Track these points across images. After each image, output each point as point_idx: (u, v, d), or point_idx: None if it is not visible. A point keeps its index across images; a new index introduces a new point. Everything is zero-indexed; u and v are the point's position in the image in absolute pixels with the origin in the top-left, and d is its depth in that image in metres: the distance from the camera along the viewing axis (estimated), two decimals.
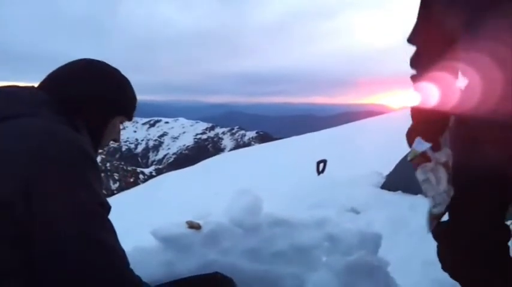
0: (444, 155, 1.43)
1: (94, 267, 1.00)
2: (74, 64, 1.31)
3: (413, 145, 1.48)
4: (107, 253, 1.04)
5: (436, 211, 1.46)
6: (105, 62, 1.36)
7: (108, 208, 1.10)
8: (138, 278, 1.14)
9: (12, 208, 0.95)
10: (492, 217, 1.41)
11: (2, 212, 0.95)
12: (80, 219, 1.00)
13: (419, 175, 1.46)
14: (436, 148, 1.43)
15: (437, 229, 1.52)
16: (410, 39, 1.55)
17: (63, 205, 0.98)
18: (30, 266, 0.99)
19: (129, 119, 1.41)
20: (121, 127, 1.43)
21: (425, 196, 1.48)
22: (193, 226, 1.84)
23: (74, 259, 0.98)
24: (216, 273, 1.53)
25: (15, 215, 0.96)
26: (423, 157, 1.44)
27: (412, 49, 1.55)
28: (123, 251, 1.11)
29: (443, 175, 1.40)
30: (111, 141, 1.41)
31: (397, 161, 6.47)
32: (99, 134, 1.30)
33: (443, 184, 1.40)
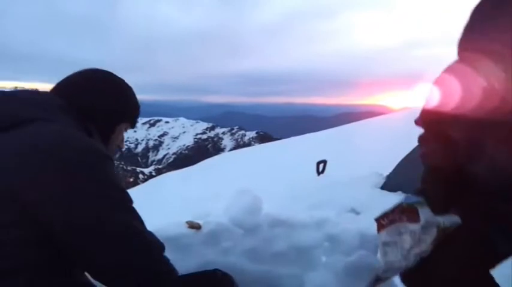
0: (449, 220, 1.29)
1: (135, 255, 1.11)
2: (87, 74, 1.39)
3: (404, 199, 1.38)
4: (147, 242, 1.15)
5: (385, 275, 1.36)
6: (111, 73, 1.44)
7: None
8: (171, 266, 1.25)
9: (35, 209, 1.01)
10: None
11: (23, 212, 1.00)
12: (118, 212, 1.09)
13: (386, 236, 1.34)
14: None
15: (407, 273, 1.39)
16: (417, 122, 1.60)
17: (97, 201, 1.06)
18: (39, 264, 1.04)
19: (133, 126, 1.50)
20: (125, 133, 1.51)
21: (381, 258, 1.34)
22: (194, 226, 1.85)
23: (117, 250, 1.08)
24: (216, 270, 1.55)
25: (37, 217, 1.01)
26: (410, 212, 1.32)
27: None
28: (158, 240, 1.22)
29: (429, 240, 1.27)
30: (117, 148, 1.48)
31: (397, 162, 6.47)
32: (106, 141, 1.38)
33: (421, 248, 1.27)
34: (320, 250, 2.07)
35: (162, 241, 1.81)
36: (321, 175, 9.64)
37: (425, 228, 1.29)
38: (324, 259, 2.05)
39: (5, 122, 1.11)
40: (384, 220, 1.38)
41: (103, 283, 1.13)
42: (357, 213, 5.08)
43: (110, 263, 1.08)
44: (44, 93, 1.30)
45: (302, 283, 1.96)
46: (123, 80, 1.46)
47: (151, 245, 1.18)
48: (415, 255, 1.29)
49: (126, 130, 1.48)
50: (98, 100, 1.35)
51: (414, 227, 1.30)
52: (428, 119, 1.53)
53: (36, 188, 1.01)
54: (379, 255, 1.31)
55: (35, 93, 1.28)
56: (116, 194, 1.11)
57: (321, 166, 9.90)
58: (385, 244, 1.33)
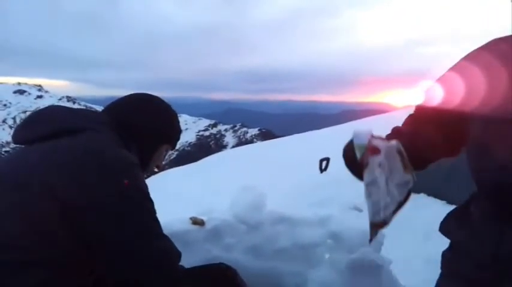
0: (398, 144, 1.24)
1: (154, 261, 1.20)
2: (135, 97, 1.52)
3: (354, 140, 1.31)
4: (166, 251, 1.24)
5: (377, 218, 1.27)
6: (159, 97, 1.56)
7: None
8: (180, 274, 1.33)
9: (72, 210, 1.09)
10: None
11: (60, 207, 1.09)
12: (142, 220, 1.19)
13: (366, 176, 1.27)
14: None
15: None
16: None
17: (122, 206, 1.14)
18: (61, 257, 1.12)
19: (173, 148, 1.61)
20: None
21: (367, 200, 1.29)
22: (197, 222, 1.85)
23: (139, 256, 1.17)
24: (221, 264, 1.57)
25: (64, 213, 1.09)
26: (372, 150, 1.25)
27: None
28: (177, 250, 1.29)
29: (397, 165, 1.22)
30: (156, 168, 1.59)
31: None
32: (147, 159, 1.48)
33: (396, 178, 1.22)
34: (323, 247, 2.07)
35: None
36: (324, 172, 9.63)
37: (387, 157, 1.23)
38: (327, 256, 2.06)
39: (59, 128, 1.24)
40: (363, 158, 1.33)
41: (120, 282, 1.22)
42: (360, 210, 5.06)
43: (129, 264, 1.17)
44: (91, 110, 1.42)
45: (305, 279, 1.97)
46: (170, 106, 1.57)
47: (171, 252, 1.27)
48: (397, 186, 1.23)
49: (166, 151, 1.57)
50: (142, 121, 1.44)
51: (378, 158, 1.23)
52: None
53: (75, 186, 1.10)
54: (364, 198, 1.28)
55: (87, 110, 1.41)
56: (146, 202, 1.22)
57: (324, 163, 9.89)
58: (367, 185, 1.26)
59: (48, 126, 1.24)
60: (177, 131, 1.58)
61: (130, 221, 1.15)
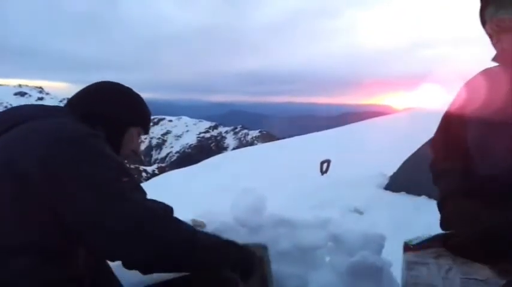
0: None
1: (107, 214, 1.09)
2: (94, 85, 1.50)
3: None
4: (138, 211, 1.12)
5: None
6: (118, 83, 1.54)
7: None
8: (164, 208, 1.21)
9: (34, 183, 1.08)
10: None
11: (22, 186, 1.08)
12: (99, 182, 1.11)
13: (414, 257, 1.39)
14: None
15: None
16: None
17: (84, 177, 1.10)
18: (46, 242, 1.10)
19: (145, 131, 1.58)
20: (141, 140, 1.59)
21: (405, 273, 1.38)
22: (198, 224, 1.85)
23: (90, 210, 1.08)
24: (229, 241, 1.58)
25: (36, 189, 1.08)
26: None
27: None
28: (163, 206, 1.19)
29: None
30: (132, 153, 1.54)
31: (401, 162, 6.46)
32: (117, 143, 1.44)
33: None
34: (324, 249, 2.07)
35: None
36: (325, 174, 9.64)
37: None
38: (327, 258, 2.05)
39: (23, 119, 1.24)
40: (416, 246, 1.39)
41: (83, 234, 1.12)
42: (361, 213, 5.07)
43: (88, 210, 1.08)
44: (52, 106, 1.41)
45: (305, 282, 1.97)
46: (130, 89, 1.55)
47: (148, 211, 1.14)
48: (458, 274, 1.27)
49: (139, 135, 1.54)
50: (104, 106, 1.43)
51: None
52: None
53: (34, 160, 1.09)
54: (402, 270, 1.32)
55: (56, 106, 1.41)
56: (103, 162, 1.16)
57: (325, 165, 9.91)
58: (412, 263, 1.34)
59: (12, 119, 1.25)
60: (140, 113, 1.54)
61: (85, 185, 1.09)
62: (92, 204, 1.07)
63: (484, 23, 1.45)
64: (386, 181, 6.37)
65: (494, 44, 1.41)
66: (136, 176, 1.54)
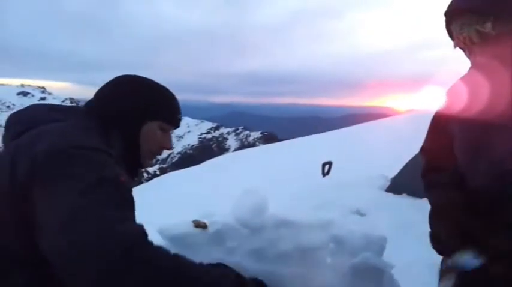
0: None
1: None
2: (108, 82, 1.42)
3: (462, 260, 1.38)
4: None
5: None
6: (133, 75, 1.44)
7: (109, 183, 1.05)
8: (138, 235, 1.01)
9: (16, 197, 1.03)
10: None
11: (18, 199, 1.03)
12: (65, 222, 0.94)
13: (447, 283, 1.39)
14: None
15: None
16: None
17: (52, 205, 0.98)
18: (36, 257, 1.02)
19: (169, 123, 1.46)
20: (170, 133, 1.49)
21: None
22: (200, 225, 1.86)
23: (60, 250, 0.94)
24: (219, 264, 1.58)
25: (18, 203, 1.03)
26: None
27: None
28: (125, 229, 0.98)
29: None
30: (160, 149, 1.47)
31: (402, 164, 6.45)
32: (135, 142, 1.37)
33: None
34: (325, 251, 2.06)
35: (168, 239, 1.83)
36: (326, 176, 9.64)
37: None
38: (328, 260, 2.05)
39: (23, 126, 1.21)
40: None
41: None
42: (362, 215, 5.07)
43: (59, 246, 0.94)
44: (77, 106, 1.38)
45: (306, 283, 1.96)
46: (145, 80, 1.44)
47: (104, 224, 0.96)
48: None
49: (163, 129, 1.44)
50: (114, 102, 1.35)
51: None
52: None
53: (24, 175, 1.04)
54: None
55: (69, 106, 1.36)
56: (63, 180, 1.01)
57: (327, 167, 9.91)
58: None
59: (24, 125, 1.22)
60: (161, 103, 1.43)
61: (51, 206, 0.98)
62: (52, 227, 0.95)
63: (451, 36, 1.48)
64: (388, 183, 6.37)
65: (468, 56, 1.44)
66: (137, 177, 1.49)
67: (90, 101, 1.39)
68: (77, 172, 1.02)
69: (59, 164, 1.03)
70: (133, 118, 1.36)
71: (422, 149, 1.69)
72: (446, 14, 1.43)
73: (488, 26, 1.30)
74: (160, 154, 1.50)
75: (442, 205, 1.52)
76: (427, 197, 1.63)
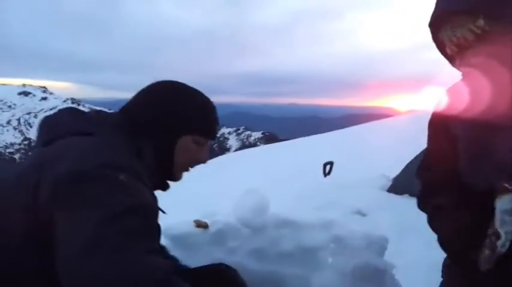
0: None
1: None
2: (145, 88, 1.35)
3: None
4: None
5: (503, 249, 1.20)
6: (173, 82, 1.37)
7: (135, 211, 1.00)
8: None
9: (35, 212, 0.99)
10: None
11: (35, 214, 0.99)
12: (83, 250, 0.91)
13: (504, 203, 1.21)
14: None
15: None
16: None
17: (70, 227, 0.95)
18: (47, 271, 0.99)
19: (206, 136, 1.38)
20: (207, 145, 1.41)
21: (499, 228, 1.22)
22: (201, 224, 1.86)
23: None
24: (221, 264, 1.58)
25: (35, 221, 0.99)
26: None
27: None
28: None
29: None
30: (194, 162, 1.39)
31: (404, 165, 6.44)
32: (168, 156, 1.31)
33: None
34: (326, 251, 2.07)
35: (169, 239, 1.83)
36: (328, 176, 9.64)
37: None
38: (330, 260, 2.05)
39: (52, 134, 1.17)
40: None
41: None
42: (363, 215, 5.07)
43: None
44: (108, 113, 1.31)
45: (308, 283, 1.97)
46: (184, 88, 1.37)
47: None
48: None
49: (199, 143, 1.36)
50: (149, 113, 1.29)
51: None
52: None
53: (47, 195, 0.99)
54: (497, 225, 1.18)
55: (100, 112, 1.29)
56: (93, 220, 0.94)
57: (328, 167, 9.91)
58: (505, 212, 1.19)
59: (53, 132, 1.18)
60: (201, 117, 1.35)
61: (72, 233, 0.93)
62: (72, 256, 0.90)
63: (440, 46, 1.44)
64: (389, 183, 6.36)
65: (459, 66, 1.40)
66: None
67: (125, 106, 1.33)
68: (101, 198, 0.97)
69: (82, 186, 0.98)
70: (170, 131, 1.30)
71: (421, 166, 1.62)
72: (431, 23, 1.41)
73: (481, 23, 1.28)
74: (193, 167, 1.42)
75: (452, 234, 1.44)
76: (432, 228, 1.55)
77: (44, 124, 1.24)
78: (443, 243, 1.45)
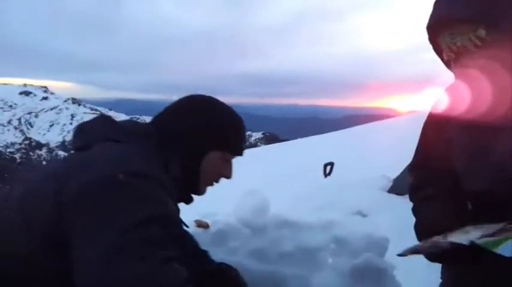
0: None
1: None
2: (178, 102, 1.39)
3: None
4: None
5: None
6: (207, 97, 1.41)
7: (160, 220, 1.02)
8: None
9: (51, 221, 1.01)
10: None
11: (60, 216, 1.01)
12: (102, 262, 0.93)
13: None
14: None
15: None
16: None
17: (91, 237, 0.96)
18: (62, 274, 1.00)
19: (234, 153, 1.42)
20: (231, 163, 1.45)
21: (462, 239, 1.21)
22: (202, 224, 1.86)
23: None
24: (222, 264, 1.58)
25: (56, 222, 1.01)
26: None
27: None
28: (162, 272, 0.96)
29: None
30: (219, 177, 1.43)
31: (404, 165, 6.44)
32: (194, 170, 1.34)
33: None
34: (326, 251, 2.07)
35: None
36: (328, 176, 9.64)
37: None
38: (330, 260, 2.05)
39: (86, 140, 1.20)
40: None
41: None
42: (364, 215, 5.08)
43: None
44: (140, 123, 1.35)
45: (308, 283, 1.97)
46: (216, 104, 1.40)
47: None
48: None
49: (225, 159, 1.40)
50: (179, 127, 1.32)
51: None
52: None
53: (72, 197, 1.01)
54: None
55: (131, 122, 1.33)
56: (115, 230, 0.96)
57: (328, 167, 9.91)
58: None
59: (85, 139, 1.21)
60: (230, 135, 1.39)
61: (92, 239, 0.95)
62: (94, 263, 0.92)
63: (437, 49, 1.42)
64: (389, 184, 6.37)
65: (454, 68, 1.38)
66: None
67: (157, 117, 1.37)
68: (126, 205, 0.99)
69: (108, 192, 1.01)
70: (199, 146, 1.33)
71: (413, 166, 1.62)
72: (430, 27, 1.38)
73: (482, 33, 1.25)
74: (217, 182, 1.45)
75: (432, 215, 1.43)
76: (413, 214, 1.52)
77: (79, 130, 1.27)
78: (418, 224, 1.46)
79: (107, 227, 0.95)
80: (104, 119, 1.29)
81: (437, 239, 1.22)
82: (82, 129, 1.27)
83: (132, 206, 0.99)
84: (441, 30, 1.34)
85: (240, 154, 1.45)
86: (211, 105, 1.38)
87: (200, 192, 1.42)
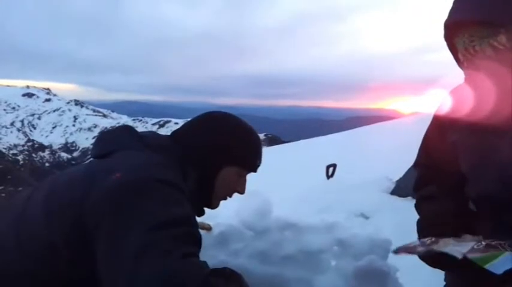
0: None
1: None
2: (197, 119, 1.45)
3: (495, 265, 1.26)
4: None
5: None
6: (223, 113, 1.46)
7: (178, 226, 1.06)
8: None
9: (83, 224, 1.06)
10: None
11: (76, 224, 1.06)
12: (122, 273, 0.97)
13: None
14: None
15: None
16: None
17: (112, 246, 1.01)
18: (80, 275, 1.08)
19: (247, 169, 1.46)
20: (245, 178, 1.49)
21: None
22: (204, 227, 1.86)
23: None
24: (225, 268, 1.58)
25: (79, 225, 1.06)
26: None
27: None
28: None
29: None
30: (232, 193, 1.48)
31: (407, 167, 6.43)
32: (210, 184, 1.38)
33: None
34: (329, 253, 2.06)
35: None
36: (331, 178, 9.63)
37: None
38: (333, 262, 2.05)
39: (108, 148, 1.24)
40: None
41: None
42: (366, 217, 5.07)
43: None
44: (161, 135, 1.40)
45: (311, 286, 1.96)
46: (234, 122, 1.46)
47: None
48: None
49: (239, 175, 1.45)
50: (199, 142, 1.37)
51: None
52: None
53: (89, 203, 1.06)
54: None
55: (153, 133, 1.40)
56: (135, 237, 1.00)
57: (331, 169, 9.89)
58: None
59: (106, 145, 1.26)
60: (246, 152, 1.44)
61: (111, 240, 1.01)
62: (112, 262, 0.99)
63: (452, 47, 1.40)
64: (392, 186, 6.36)
65: (466, 68, 1.37)
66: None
67: (177, 131, 1.42)
68: (151, 207, 1.05)
69: (134, 196, 1.06)
70: (214, 162, 1.38)
71: (418, 163, 1.62)
72: (447, 25, 1.35)
73: (503, 39, 1.23)
74: (231, 197, 1.49)
75: (433, 214, 1.44)
76: (417, 212, 1.56)
77: (101, 139, 1.32)
78: (420, 221, 1.49)
79: (135, 228, 0.99)
80: (125, 129, 1.34)
81: (431, 244, 1.23)
82: (104, 138, 1.32)
83: (157, 208, 1.04)
84: (460, 31, 1.32)
85: (255, 170, 1.49)
86: (230, 123, 1.44)
87: (213, 206, 1.47)
